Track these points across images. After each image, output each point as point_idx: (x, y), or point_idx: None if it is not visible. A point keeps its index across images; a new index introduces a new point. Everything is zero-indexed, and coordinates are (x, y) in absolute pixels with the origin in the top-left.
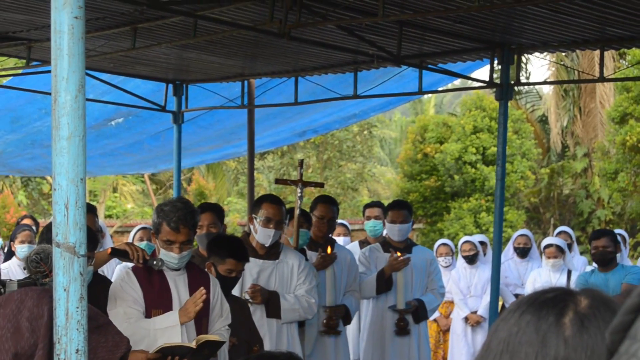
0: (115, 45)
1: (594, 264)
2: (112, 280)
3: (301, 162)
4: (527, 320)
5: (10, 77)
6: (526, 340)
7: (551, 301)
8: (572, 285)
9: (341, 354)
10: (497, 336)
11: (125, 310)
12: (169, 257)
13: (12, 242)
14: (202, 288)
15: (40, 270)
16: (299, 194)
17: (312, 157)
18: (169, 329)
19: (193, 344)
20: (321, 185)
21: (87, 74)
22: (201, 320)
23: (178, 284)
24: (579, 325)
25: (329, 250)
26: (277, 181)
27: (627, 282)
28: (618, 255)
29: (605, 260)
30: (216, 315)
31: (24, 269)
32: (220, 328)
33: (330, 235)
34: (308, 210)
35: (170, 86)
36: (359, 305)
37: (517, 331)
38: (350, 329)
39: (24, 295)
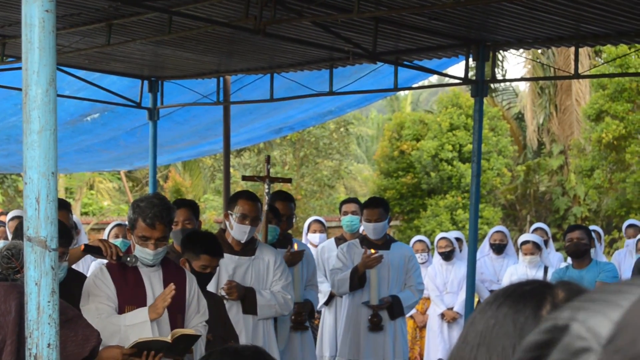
0: (90, 42)
1: (569, 259)
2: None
3: (268, 158)
4: (504, 313)
5: None
6: (503, 332)
7: (528, 294)
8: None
9: (307, 349)
10: (473, 329)
11: (97, 306)
12: (144, 253)
13: None
14: (171, 284)
15: (11, 266)
16: (267, 190)
17: (288, 154)
18: (139, 325)
19: (168, 339)
20: (288, 181)
21: (63, 71)
22: (176, 316)
23: (153, 280)
24: None
25: (295, 247)
26: (244, 178)
27: (600, 279)
28: (592, 251)
29: (579, 252)
30: (193, 312)
31: None
32: (197, 324)
33: (288, 231)
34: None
35: (146, 83)
36: (318, 299)
37: (494, 324)
38: (327, 325)
39: None
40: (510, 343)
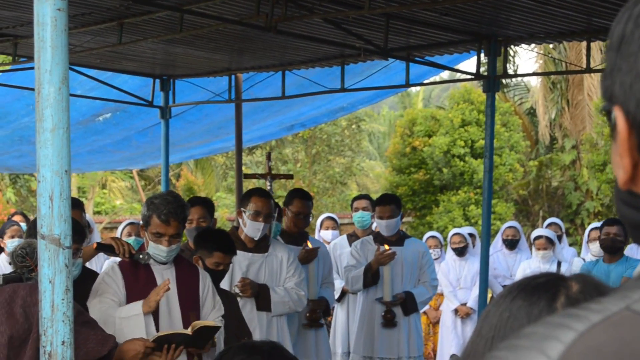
0: (102, 41)
1: (593, 253)
2: None
3: (268, 155)
4: (518, 306)
5: None
6: (518, 325)
7: (543, 286)
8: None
9: (322, 347)
10: (488, 322)
11: (101, 299)
12: (158, 250)
13: (1, 238)
14: (167, 279)
15: (25, 264)
16: (269, 187)
17: (300, 151)
18: (133, 317)
19: (189, 331)
20: (290, 177)
21: (74, 70)
22: (189, 314)
23: (165, 278)
24: None
25: (309, 244)
26: (246, 176)
27: (628, 275)
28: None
29: (614, 248)
30: (209, 308)
31: (10, 263)
32: (215, 319)
33: (305, 229)
34: (282, 203)
35: (157, 81)
36: (334, 296)
37: (508, 316)
38: (340, 322)
39: (16, 287)
40: None
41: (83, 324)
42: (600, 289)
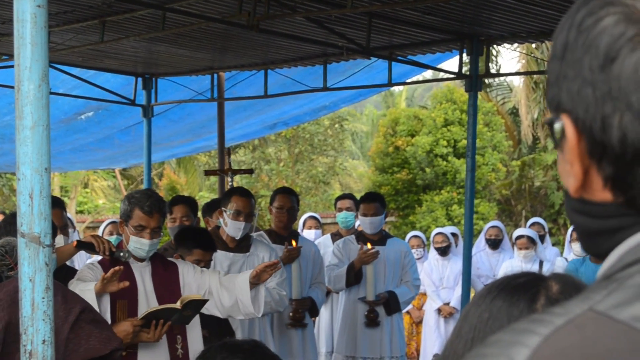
0: (84, 39)
1: (576, 252)
2: None
3: (228, 151)
4: (498, 306)
5: None
6: (497, 326)
7: (522, 287)
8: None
9: (308, 347)
10: (467, 322)
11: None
12: (139, 243)
13: None
14: (116, 268)
15: (5, 263)
16: (230, 183)
17: (283, 150)
18: (86, 291)
19: (178, 305)
20: (250, 171)
21: (56, 68)
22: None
23: (144, 275)
24: None
25: (293, 243)
26: (207, 172)
27: None
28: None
29: None
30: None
31: None
32: (215, 279)
33: (293, 228)
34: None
35: (140, 80)
36: (324, 296)
37: (487, 317)
38: (324, 321)
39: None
40: None
41: (89, 321)
42: (580, 288)
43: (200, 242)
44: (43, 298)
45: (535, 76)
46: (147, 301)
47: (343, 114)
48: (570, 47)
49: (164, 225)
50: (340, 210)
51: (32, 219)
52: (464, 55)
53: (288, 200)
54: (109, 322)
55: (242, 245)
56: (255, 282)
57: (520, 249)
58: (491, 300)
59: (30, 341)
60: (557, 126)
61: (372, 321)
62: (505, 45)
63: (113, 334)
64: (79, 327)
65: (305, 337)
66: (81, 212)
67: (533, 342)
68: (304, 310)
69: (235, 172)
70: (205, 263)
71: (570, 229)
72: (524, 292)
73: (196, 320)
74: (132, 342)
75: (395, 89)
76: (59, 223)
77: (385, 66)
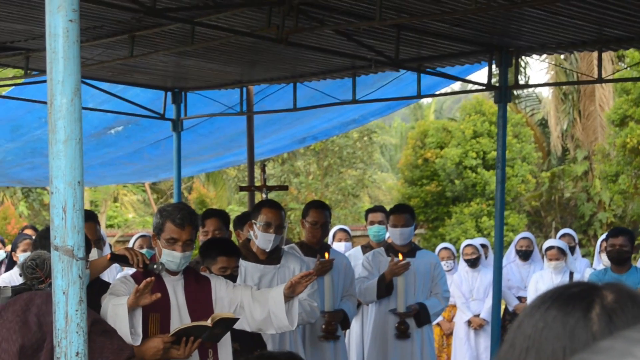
0: (113, 54)
1: (605, 263)
2: None
3: (263, 167)
4: (553, 316)
5: (11, 88)
6: (553, 335)
7: (577, 296)
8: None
9: (340, 359)
10: (521, 332)
11: (112, 296)
12: (172, 256)
13: (13, 252)
14: (149, 279)
15: (36, 276)
16: (264, 198)
17: (312, 164)
18: (119, 305)
19: (209, 322)
20: (285, 188)
21: (86, 83)
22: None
23: (176, 289)
24: (606, 320)
25: (326, 255)
26: (242, 188)
27: None
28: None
29: (621, 260)
30: (244, 296)
31: (20, 275)
32: (244, 290)
33: (324, 240)
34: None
35: (169, 94)
36: (356, 309)
37: (543, 327)
38: (354, 333)
39: (33, 295)
40: (561, 345)
41: (101, 333)
42: (635, 299)
43: (223, 249)
44: (77, 311)
45: (564, 87)
46: (180, 314)
47: (372, 126)
48: None
49: (197, 238)
50: (372, 223)
51: (65, 232)
52: (493, 66)
53: (322, 216)
54: (141, 335)
55: (273, 257)
56: (290, 294)
57: (551, 260)
58: (545, 310)
59: (64, 353)
60: None
61: (402, 333)
62: (534, 56)
63: (124, 342)
64: (91, 340)
65: (337, 349)
66: (111, 226)
67: None
68: (336, 323)
69: (270, 188)
70: (232, 270)
71: (600, 239)
72: (579, 301)
73: (227, 335)
74: (162, 359)
75: (424, 101)
76: (92, 237)
77: (414, 78)
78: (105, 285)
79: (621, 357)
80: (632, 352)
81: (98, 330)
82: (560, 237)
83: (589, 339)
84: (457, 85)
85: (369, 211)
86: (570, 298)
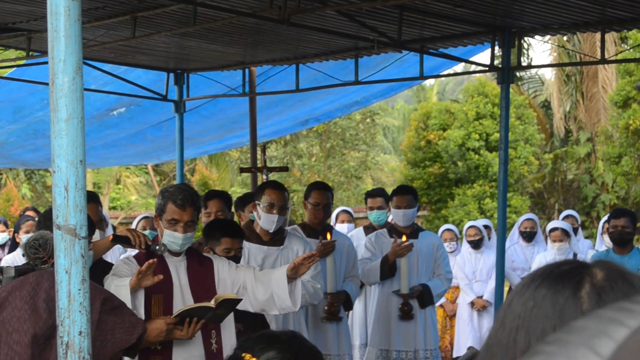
0: (115, 35)
1: (607, 244)
2: None
3: (263, 149)
4: (542, 294)
5: (13, 69)
6: (543, 314)
7: (567, 274)
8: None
9: (343, 340)
10: (511, 311)
11: (115, 277)
12: (173, 237)
13: (16, 234)
14: (151, 261)
15: (39, 256)
16: (265, 179)
17: (315, 145)
18: (121, 287)
19: (212, 303)
20: (285, 169)
21: (88, 64)
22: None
23: (179, 270)
24: (596, 299)
25: (328, 237)
26: (242, 170)
27: None
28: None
29: (623, 241)
30: (246, 277)
31: (23, 255)
32: (245, 271)
33: (327, 221)
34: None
35: (172, 75)
36: (359, 290)
37: (532, 305)
38: (357, 314)
39: (39, 277)
40: (550, 324)
41: (110, 311)
42: (625, 276)
43: (227, 231)
44: (79, 290)
45: (566, 69)
46: (182, 296)
47: (374, 108)
48: None
49: (199, 219)
50: (372, 209)
51: (67, 211)
52: (496, 47)
53: (324, 197)
54: (144, 317)
55: (277, 238)
56: (293, 275)
57: (554, 241)
58: (535, 289)
59: (67, 332)
60: None
61: (406, 314)
62: (537, 37)
63: (135, 317)
64: (102, 321)
65: (340, 330)
66: (114, 208)
67: (620, 335)
68: (339, 304)
69: (271, 169)
70: (236, 251)
71: (602, 221)
72: (569, 279)
73: (230, 316)
74: (165, 339)
75: (426, 83)
76: (95, 217)
77: (417, 60)
78: (108, 267)
79: (595, 337)
80: (605, 331)
81: (108, 308)
82: (563, 219)
83: (579, 317)
84: (459, 67)
85: (368, 195)
86: (560, 276)
